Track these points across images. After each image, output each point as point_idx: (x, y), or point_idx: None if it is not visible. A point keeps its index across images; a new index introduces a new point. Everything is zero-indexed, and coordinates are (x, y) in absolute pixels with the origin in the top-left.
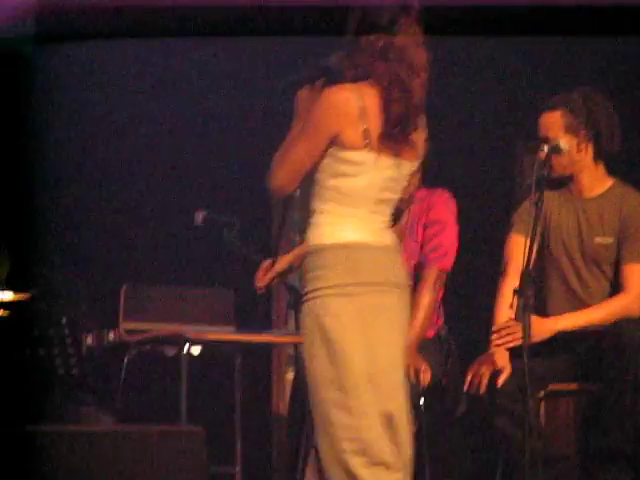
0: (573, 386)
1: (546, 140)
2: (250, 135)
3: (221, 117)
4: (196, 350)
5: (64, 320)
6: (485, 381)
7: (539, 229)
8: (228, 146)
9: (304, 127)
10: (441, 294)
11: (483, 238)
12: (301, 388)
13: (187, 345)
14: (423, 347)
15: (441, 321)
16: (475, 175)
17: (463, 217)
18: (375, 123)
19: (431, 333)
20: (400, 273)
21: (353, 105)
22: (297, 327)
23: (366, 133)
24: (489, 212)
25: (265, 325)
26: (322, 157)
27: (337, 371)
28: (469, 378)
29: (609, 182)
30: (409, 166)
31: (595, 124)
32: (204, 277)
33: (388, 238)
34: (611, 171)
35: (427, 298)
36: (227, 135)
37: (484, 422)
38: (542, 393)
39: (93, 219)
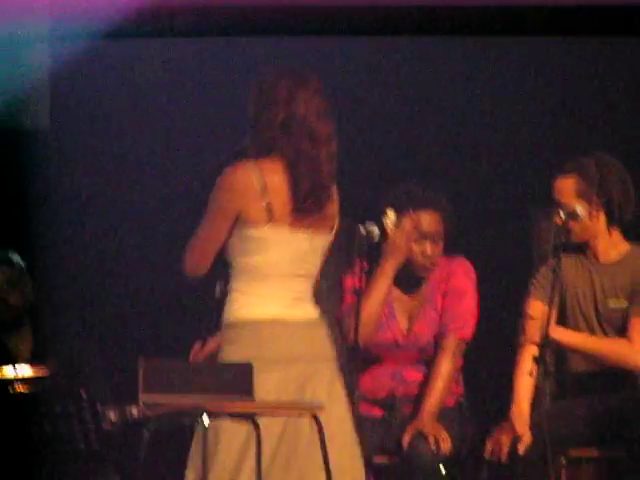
0: (594, 452)
1: (560, 205)
2: None
3: None
4: (206, 420)
5: (84, 394)
6: (506, 449)
7: (557, 295)
8: None
9: (208, 208)
10: (460, 363)
11: (501, 304)
12: None
13: (205, 416)
14: (443, 416)
15: (461, 389)
16: (491, 241)
17: (480, 283)
18: (280, 198)
19: (451, 402)
20: (319, 347)
21: (252, 182)
22: None
23: (269, 209)
24: (506, 278)
25: None
26: (229, 236)
27: None
28: (490, 447)
29: (625, 247)
30: (323, 239)
31: (607, 192)
32: None
33: (305, 311)
34: (630, 235)
35: (446, 367)
36: None
37: None
38: (563, 460)
39: (111, 290)
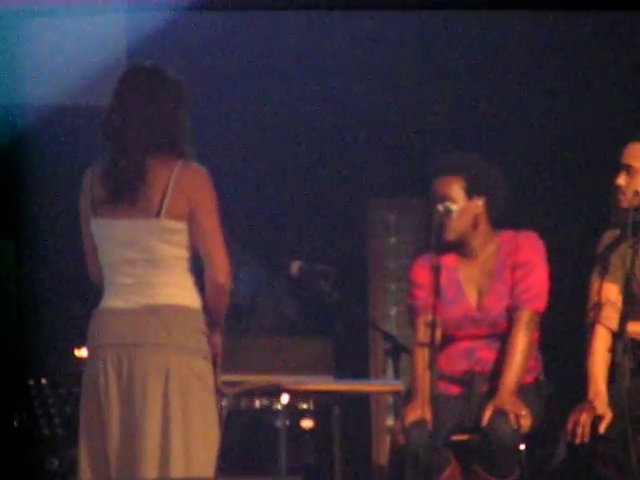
0: None
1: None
2: (340, 182)
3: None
4: (285, 399)
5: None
6: (587, 430)
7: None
8: (321, 195)
9: None
10: (537, 337)
11: (577, 280)
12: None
13: (284, 396)
14: (522, 392)
15: (539, 366)
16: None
17: (555, 258)
18: (98, 192)
19: (530, 378)
20: (152, 333)
21: (87, 181)
22: (395, 375)
23: (92, 203)
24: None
25: (362, 374)
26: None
27: None
28: (570, 427)
29: None
30: (152, 223)
31: None
32: (300, 327)
33: (137, 299)
34: None
35: (522, 341)
36: (320, 185)
37: (585, 469)
38: None
39: None
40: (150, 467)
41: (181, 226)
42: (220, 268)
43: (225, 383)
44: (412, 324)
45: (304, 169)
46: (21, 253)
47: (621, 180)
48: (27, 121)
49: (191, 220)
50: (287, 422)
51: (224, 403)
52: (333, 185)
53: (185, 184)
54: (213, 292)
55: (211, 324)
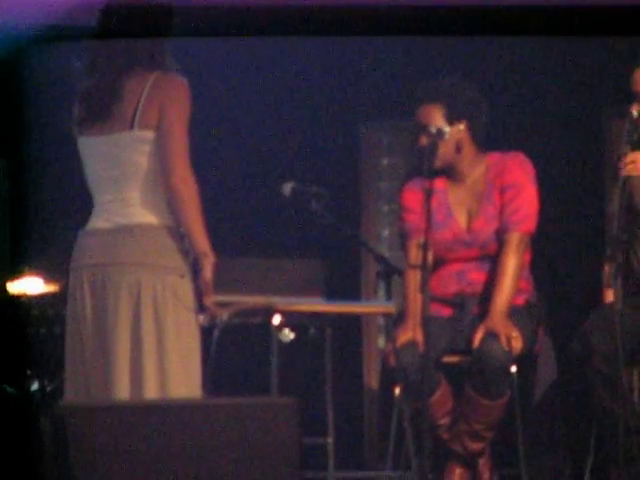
0: None
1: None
2: (333, 104)
3: (303, 89)
4: (287, 336)
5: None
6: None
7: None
8: (313, 117)
9: None
10: (528, 259)
11: (572, 206)
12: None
13: (276, 316)
14: (513, 314)
15: (530, 287)
16: (560, 138)
17: (547, 183)
18: (80, 112)
19: (521, 300)
20: (126, 253)
21: (76, 100)
22: (387, 297)
23: (77, 123)
24: (577, 178)
25: (354, 295)
26: None
27: None
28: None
29: None
30: (126, 135)
31: None
32: (291, 249)
33: (115, 219)
34: None
35: (512, 262)
36: (312, 107)
37: (576, 389)
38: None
39: None
40: (123, 386)
41: (155, 135)
42: (173, 172)
43: (217, 303)
44: (403, 247)
45: (297, 91)
46: (14, 172)
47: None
48: (22, 38)
49: (158, 127)
50: (278, 343)
51: (217, 322)
52: (326, 106)
53: (157, 92)
54: (169, 198)
55: (192, 241)
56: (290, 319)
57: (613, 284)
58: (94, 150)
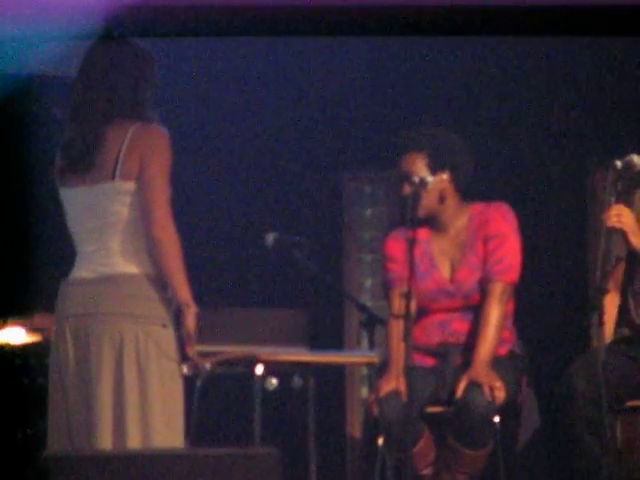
0: None
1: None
2: (316, 154)
3: (286, 138)
4: (272, 384)
5: None
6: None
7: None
8: (295, 167)
9: None
10: (511, 309)
11: (554, 255)
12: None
13: (259, 366)
14: (497, 364)
15: (514, 337)
16: (544, 189)
17: (529, 231)
18: (60, 163)
19: (504, 350)
20: (108, 303)
21: (58, 150)
22: (370, 346)
23: (59, 173)
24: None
25: (337, 345)
26: None
27: None
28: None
29: None
30: (107, 186)
31: None
32: (274, 299)
33: (97, 269)
34: None
35: (495, 312)
36: (294, 156)
37: (561, 438)
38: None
39: None
40: (106, 436)
41: (136, 186)
42: (154, 221)
43: (200, 353)
44: (387, 297)
45: (280, 142)
46: None
47: None
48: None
49: (139, 177)
50: (261, 393)
51: (197, 373)
52: (308, 156)
53: (138, 143)
54: (151, 248)
55: (174, 292)
56: (273, 369)
57: (596, 331)
58: (76, 201)
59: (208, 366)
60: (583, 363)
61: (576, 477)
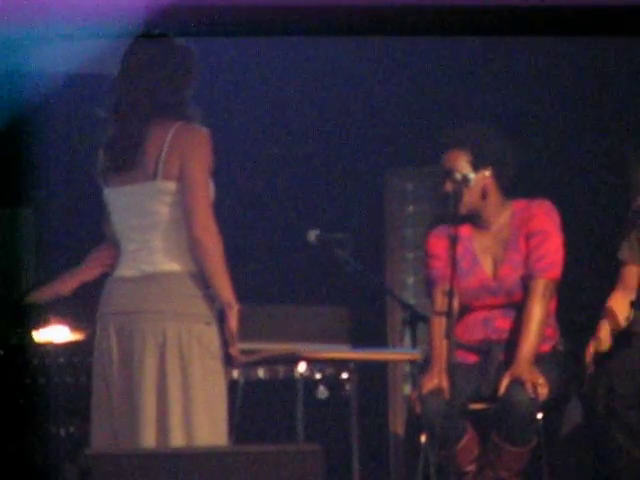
0: None
1: None
2: (359, 151)
3: (333, 134)
4: (323, 394)
5: None
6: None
7: None
8: (338, 164)
9: None
10: (554, 305)
11: (595, 250)
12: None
13: (301, 364)
14: (539, 361)
15: (557, 334)
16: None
17: (573, 228)
18: (103, 162)
19: (547, 347)
20: (152, 301)
21: (100, 150)
22: (412, 344)
23: (101, 174)
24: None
25: (380, 343)
26: None
27: None
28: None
29: None
30: (149, 186)
31: None
32: (317, 296)
33: (140, 267)
34: None
35: (538, 309)
36: (337, 154)
37: (601, 435)
38: None
39: None
40: (149, 434)
41: (177, 186)
42: (196, 221)
43: (242, 351)
44: (429, 294)
45: (323, 139)
46: (40, 221)
47: None
48: (43, 88)
49: (181, 177)
50: (304, 390)
51: (240, 371)
52: (351, 154)
53: (179, 143)
54: (193, 248)
55: (216, 291)
56: (316, 367)
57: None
58: (119, 200)
59: (251, 362)
60: (623, 362)
61: (615, 477)
